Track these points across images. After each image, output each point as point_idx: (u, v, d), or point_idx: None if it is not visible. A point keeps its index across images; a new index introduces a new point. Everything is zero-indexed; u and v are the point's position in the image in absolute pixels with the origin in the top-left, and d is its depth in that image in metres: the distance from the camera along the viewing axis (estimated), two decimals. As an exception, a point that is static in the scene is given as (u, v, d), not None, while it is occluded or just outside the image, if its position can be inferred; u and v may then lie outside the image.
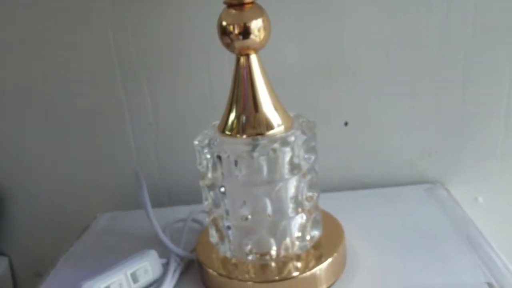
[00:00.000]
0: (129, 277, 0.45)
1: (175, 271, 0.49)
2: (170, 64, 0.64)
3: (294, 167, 0.43)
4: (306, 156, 0.44)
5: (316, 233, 0.47)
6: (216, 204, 0.46)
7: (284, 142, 0.42)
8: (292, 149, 0.42)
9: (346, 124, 0.64)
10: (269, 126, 0.43)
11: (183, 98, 0.66)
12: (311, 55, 0.61)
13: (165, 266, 0.49)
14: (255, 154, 0.41)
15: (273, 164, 0.42)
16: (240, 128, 0.43)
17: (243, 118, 0.43)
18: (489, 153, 0.63)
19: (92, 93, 0.66)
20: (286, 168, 0.42)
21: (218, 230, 0.47)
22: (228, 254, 0.46)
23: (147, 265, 0.47)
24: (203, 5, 0.60)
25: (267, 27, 0.43)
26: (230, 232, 0.45)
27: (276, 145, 0.41)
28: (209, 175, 0.44)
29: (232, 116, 0.44)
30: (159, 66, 0.64)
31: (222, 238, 0.47)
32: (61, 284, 0.52)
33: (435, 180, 0.65)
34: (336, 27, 0.60)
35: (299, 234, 0.45)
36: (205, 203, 0.47)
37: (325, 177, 0.57)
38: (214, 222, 0.47)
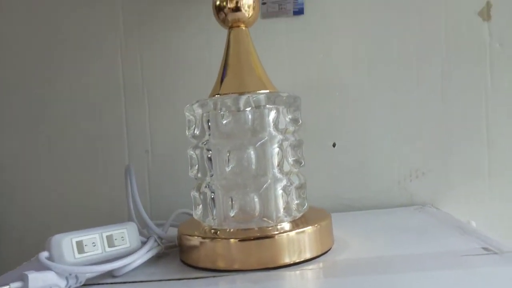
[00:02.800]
0: (105, 239, 0.43)
1: (152, 247, 0.46)
2: (172, 93, 0.69)
3: (278, 126, 0.44)
4: (290, 119, 0.46)
5: (301, 203, 0.46)
6: (201, 168, 0.46)
7: (269, 99, 0.44)
8: (277, 109, 0.44)
9: (334, 145, 0.66)
10: (256, 88, 0.45)
11: (181, 127, 0.68)
12: (300, 76, 0.66)
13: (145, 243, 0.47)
14: (241, 105, 0.43)
15: (258, 119, 0.43)
16: (229, 89, 0.45)
17: (233, 81, 0.46)
18: (476, 172, 0.63)
19: (95, 119, 0.69)
20: (271, 125, 0.44)
21: (203, 199, 0.46)
22: (213, 223, 0.45)
23: (125, 233, 0.45)
24: (206, 36, 0.67)
25: (256, 8, 0.48)
26: (214, 195, 0.44)
27: (261, 99, 0.43)
28: (197, 132, 0.45)
29: (222, 81, 0.46)
30: (161, 95, 0.69)
31: (206, 207, 0.45)
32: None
33: (425, 202, 0.64)
34: (323, 50, 0.66)
35: (284, 199, 0.44)
36: (192, 170, 0.47)
37: (314, 199, 0.57)
38: (199, 189, 0.46)
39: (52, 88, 0.69)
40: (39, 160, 0.70)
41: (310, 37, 0.66)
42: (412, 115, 0.64)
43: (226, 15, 0.47)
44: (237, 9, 0.47)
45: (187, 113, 0.47)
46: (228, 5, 0.47)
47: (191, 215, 0.55)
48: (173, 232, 0.49)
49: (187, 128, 0.47)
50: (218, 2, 0.47)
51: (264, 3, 0.66)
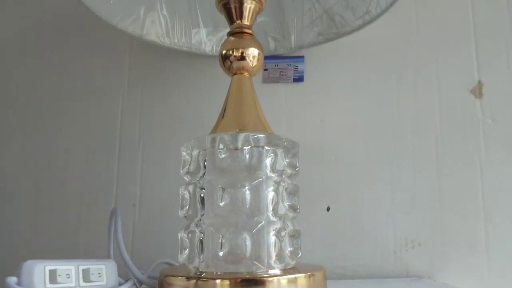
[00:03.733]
0: (80, 272, 0.40)
1: (131, 288, 0.43)
2: (168, 149, 0.68)
3: (275, 168, 0.44)
4: (287, 163, 0.45)
5: (294, 251, 0.43)
6: (192, 207, 0.44)
7: (268, 140, 0.44)
8: (275, 152, 0.44)
9: (328, 209, 0.65)
10: (256, 128, 0.45)
11: (172, 185, 0.67)
12: (297, 140, 0.66)
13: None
14: (239, 142, 0.43)
15: (256, 158, 0.43)
16: (229, 128, 0.45)
17: (232, 120, 0.46)
18: (473, 245, 0.61)
19: (87, 166, 0.69)
20: (268, 166, 0.43)
21: (191, 239, 0.43)
22: (200, 266, 0.42)
23: (103, 269, 0.42)
24: (207, 93, 0.69)
25: (260, 60, 0.50)
26: (204, 235, 0.42)
27: (261, 139, 0.43)
28: (192, 169, 0.44)
29: (222, 122, 0.47)
30: (156, 150, 0.69)
31: (193, 249, 0.43)
32: None
33: (421, 274, 0.61)
34: (321, 117, 0.67)
35: (277, 244, 0.42)
36: (182, 210, 0.45)
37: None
38: (188, 228, 0.44)
39: (48, 131, 0.70)
40: (26, 198, 0.68)
41: (309, 103, 0.68)
42: (408, 186, 0.64)
43: (231, 63, 0.49)
44: (242, 58, 0.49)
45: (183, 152, 0.47)
46: (234, 54, 0.49)
47: (175, 265, 0.52)
48: (154, 278, 0.46)
49: (181, 167, 0.47)
50: (224, 51, 0.49)
51: (266, 69, 0.69)
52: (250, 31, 0.50)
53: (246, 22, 0.50)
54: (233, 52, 0.49)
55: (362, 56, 0.68)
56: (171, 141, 0.68)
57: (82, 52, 0.72)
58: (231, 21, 0.50)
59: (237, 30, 0.50)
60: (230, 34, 0.50)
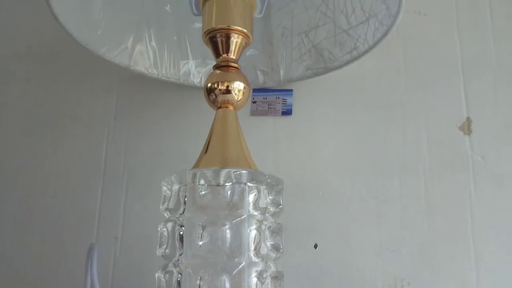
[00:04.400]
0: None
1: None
2: (152, 183, 0.66)
3: (258, 206, 0.42)
4: (271, 200, 0.44)
5: (276, 294, 0.41)
6: (171, 246, 0.42)
7: (251, 177, 0.43)
8: (258, 189, 0.43)
9: (315, 246, 0.63)
10: (239, 164, 0.44)
11: (156, 219, 0.66)
12: (285, 173, 0.65)
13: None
14: (221, 179, 0.42)
15: (238, 195, 0.42)
16: (211, 164, 0.44)
17: (215, 155, 0.45)
18: (464, 285, 0.59)
19: (69, 197, 0.67)
20: (250, 204, 0.42)
21: (168, 280, 0.42)
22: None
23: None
24: (195, 129, 0.68)
25: (246, 94, 0.50)
26: (182, 276, 0.40)
27: (243, 175, 0.42)
28: (171, 205, 0.43)
29: (204, 157, 0.46)
30: (141, 184, 0.67)
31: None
32: None
33: (412, 317, 0.59)
34: (309, 150, 0.66)
35: (258, 287, 0.40)
36: (160, 248, 0.43)
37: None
38: (165, 269, 0.42)
39: (31, 161, 0.68)
40: (5, 228, 0.66)
41: (297, 137, 0.67)
42: (396, 224, 0.62)
43: (216, 96, 0.48)
44: (227, 91, 0.48)
45: (164, 187, 0.45)
46: (219, 87, 0.48)
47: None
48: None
49: (161, 202, 0.45)
50: (209, 84, 0.49)
51: (254, 102, 0.69)
52: (236, 65, 0.50)
53: (232, 56, 0.49)
54: (218, 85, 0.48)
55: (350, 91, 0.68)
56: (156, 175, 0.66)
57: (68, 81, 0.72)
58: (217, 54, 0.50)
59: (223, 63, 0.49)
60: (216, 67, 0.50)
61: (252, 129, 0.67)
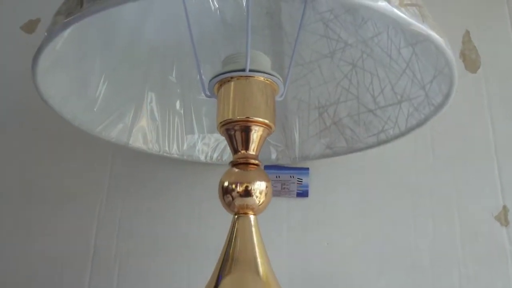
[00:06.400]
0: None
1: None
2: (147, 272, 0.60)
3: None
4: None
5: None
6: None
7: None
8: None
9: None
10: (262, 290, 0.37)
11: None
12: (300, 265, 0.58)
13: None
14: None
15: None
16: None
17: (234, 279, 0.37)
18: None
19: (54, 282, 0.59)
20: None
21: None
22: None
23: None
24: (198, 210, 0.61)
25: (268, 194, 0.42)
26: None
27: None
28: None
29: (220, 279, 0.38)
30: (134, 270, 0.60)
31: None
32: None
33: None
34: (328, 239, 0.59)
35: None
36: None
37: None
38: None
39: (18, 238, 0.61)
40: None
41: (313, 223, 0.60)
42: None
43: (233, 199, 0.41)
44: (247, 194, 0.41)
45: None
46: (237, 189, 0.41)
47: None
48: None
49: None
50: (226, 183, 0.42)
51: (266, 180, 0.62)
52: (256, 162, 0.43)
53: (252, 151, 0.42)
54: (236, 186, 0.41)
55: (374, 172, 0.61)
56: (152, 264, 0.59)
57: (58, 152, 0.64)
58: (234, 150, 0.43)
59: (242, 161, 0.42)
60: (233, 164, 0.43)
61: (263, 212, 0.60)
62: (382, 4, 0.29)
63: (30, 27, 0.72)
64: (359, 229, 0.59)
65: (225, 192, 0.42)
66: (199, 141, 0.61)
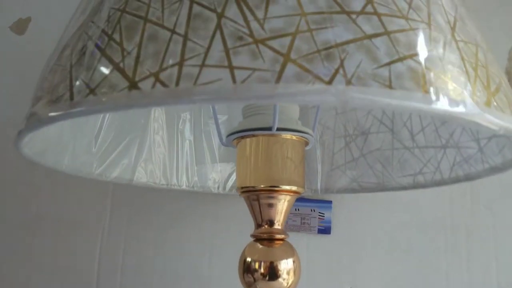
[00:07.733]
0: None
1: None
2: None
3: None
4: None
5: None
6: None
7: None
8: None
9: None
10: None
11: None
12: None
13: None
14: None
15: None
16: None
17: None
18: None
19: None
20: None
21: None
22: None
23: None
24: (209, 245, 0.56)
25: (297, 271, 0.37)
26: None
27: None
28: None
29: None
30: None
31: None
32: None
33: None
34: (349, 280, 0.54)
35: None
36: None
37: None
38: None
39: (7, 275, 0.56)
40: None
41: (336, 263, 0.55)
42: None
43: (255, 280, 0.35)
44: (272, 276, 0.35)
45: None
46: (261, 270, 0.35)
47: None
48: None
49: None
50: (249, 259, 0.36)
51: (284, 213, 0.56)
52: (282, 236, 0.37)
53: (278, 225, 0.36)
54: (259, 266, 0.35)
55: (404, 208, 0.55)
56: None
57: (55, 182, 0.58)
58: (257, 222, 0.37)
59: (265, 236, 0.36)
60: (256, 239, 0.37)
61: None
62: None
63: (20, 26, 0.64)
64: (386, 273, 0.54)
65: (247, 269, 0.36)
66: (211, 171, 0.55)
